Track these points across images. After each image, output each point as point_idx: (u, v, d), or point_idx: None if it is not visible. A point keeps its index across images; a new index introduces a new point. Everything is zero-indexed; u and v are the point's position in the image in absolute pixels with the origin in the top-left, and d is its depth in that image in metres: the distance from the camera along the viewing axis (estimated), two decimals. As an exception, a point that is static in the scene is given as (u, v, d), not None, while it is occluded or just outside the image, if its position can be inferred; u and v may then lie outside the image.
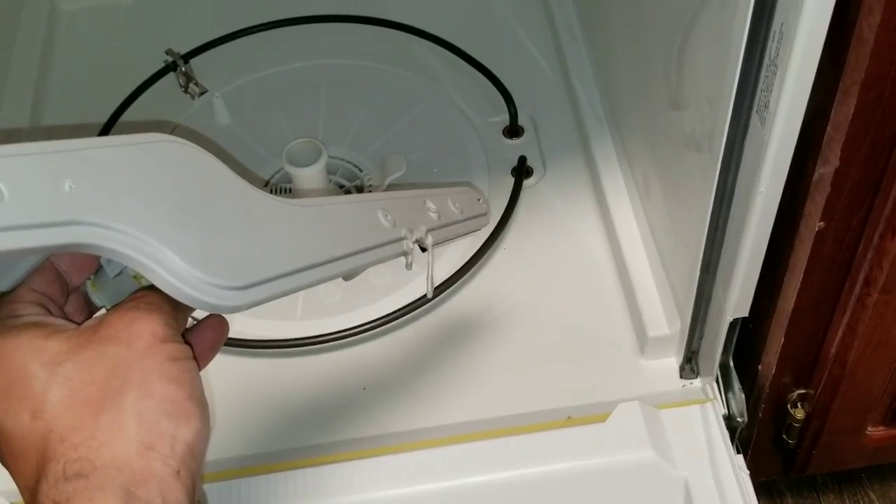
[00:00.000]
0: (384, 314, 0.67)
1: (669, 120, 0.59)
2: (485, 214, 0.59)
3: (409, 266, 0.50)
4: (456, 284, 0.68)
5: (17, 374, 0.33)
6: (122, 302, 0.36)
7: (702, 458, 0.58)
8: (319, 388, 0.65)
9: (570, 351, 0.65)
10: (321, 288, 0.70)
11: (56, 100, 0.83)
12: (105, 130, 0.78)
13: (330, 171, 0.74)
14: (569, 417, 0.61)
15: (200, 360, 0.39)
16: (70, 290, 0.39)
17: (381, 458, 0.58)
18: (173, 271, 0.33)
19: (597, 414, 0.60)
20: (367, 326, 0.66)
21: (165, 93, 0.81)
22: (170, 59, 0.81)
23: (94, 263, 0.39)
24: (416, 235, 0.50)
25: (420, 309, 0.68)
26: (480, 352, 0.66)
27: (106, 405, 0.33)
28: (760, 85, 0.45)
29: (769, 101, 0.45)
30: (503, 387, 0.64)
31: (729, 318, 0.56)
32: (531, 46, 0.85)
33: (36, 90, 0.82)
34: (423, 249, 0.50)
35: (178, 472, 0.33)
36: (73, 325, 0.36)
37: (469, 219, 0.57)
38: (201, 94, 0.81)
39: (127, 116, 0.79)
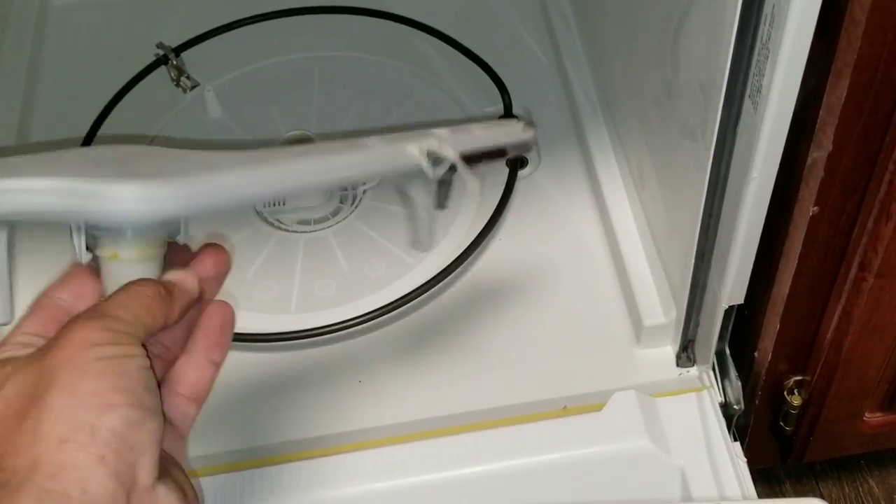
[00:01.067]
0: (378, 307, 0.66)
1: (663, 108, 0.59)
2: (527, 140, 0.50)
3: (430, 171, 0.42)
4: (451, 276, 0.68)
5: None
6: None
7: (698, 447, 0.57)
8: (314, 382, 0.65)
9: (566, 341, 0.65)
10: (315, 281, 0.70)
11: (47, 94, 0.83)
12: (96, 125, 0.78)
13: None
14: (564, 407, 0.60)
15: (207, 290, 0.40)
16: None
17: (376, 451, 0.58)
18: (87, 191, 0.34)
19: (593, 403, 0.60)
20: (362, 319, 0.66)
21: (157, 86, 0.81)
22: (161, 52, 0.81)
23: (95, 292, 0.39)
24: (426, 143, 0.42)
25: (414, 301, 0.67)
26: (475, 343, 0.65)
27: (29, 411, 0.33)
28: (753, 69, 0.45)
29: (762, 86, 0.44)
30: (498, 378, 0.63)
31: (724, 306, 0.56)
32: (526, 36, 0.85)
33: (26, 84, 0.81)
34: (453, 168, 0.43)
35: (103, 457, 0.32)
36: None
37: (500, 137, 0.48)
38: (193, 87, 0.81)
39: (118, 110, 0.79)
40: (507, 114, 0.77)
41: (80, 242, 0.38)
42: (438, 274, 0.68)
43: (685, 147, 0.55)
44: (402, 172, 0.43)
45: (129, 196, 0.35)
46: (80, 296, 0.38)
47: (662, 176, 0.62)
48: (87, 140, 0.77)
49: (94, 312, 0.36)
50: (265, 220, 0.74)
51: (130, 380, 0.34)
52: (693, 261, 0.56)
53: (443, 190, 0.45)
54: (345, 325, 0.66)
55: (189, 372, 0.39)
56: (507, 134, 0.48)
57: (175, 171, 0.36)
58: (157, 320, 0.37)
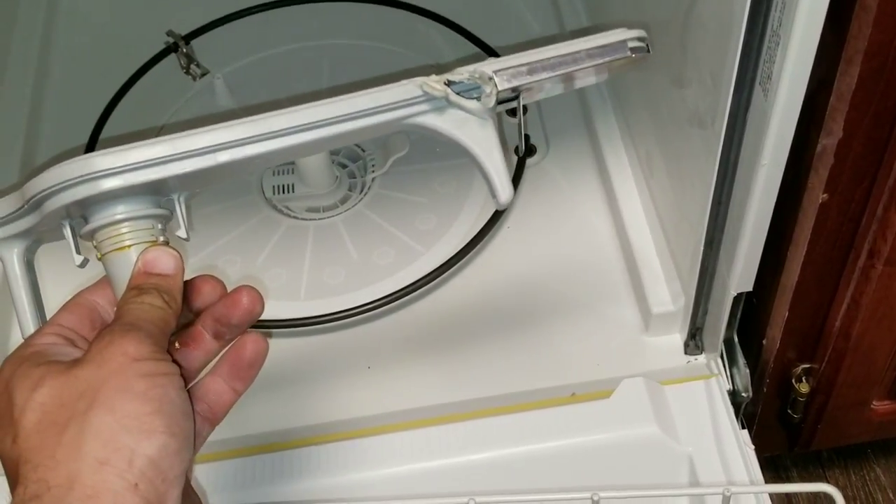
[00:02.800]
0: (387, 294, 0.67)
1: (672, 96, 0.59)
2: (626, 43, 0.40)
3: (475, 108, 0.36)
4: (460, 263, 0.68)
5: (7, 401, 0.35)
6: (102, 331, 0.36)
7: (706, 434, 0.58)
8: (324, 368, 0.65)
9: (574, 328, 0.65)
10: (325, 269, 0.70)
11: (57, 81, 0.83)
12: (106, 113, 0.78)
13: (332, 151, 0.74)
14: (573, 394, 0.61)
15: (239, 380, 0.40)
16: (103, 326, 0.39)
17: (385, 436, 0.58)
18: None
19: (601, 390, 0.60)
20: (371, 306, 0.67)
21: (167, 74, 0.81)
22: (171, 40, 0.81)
23: None
24: (457, 77, 0.35)
25: (423, 288, 0.68)
26: (484, 330, 0.66)
27: (70, 425, 0.33)
28: (763, 56, 0.45)
29: (772, 73, 0.44)
30: (507, 364, 0.64)
31: (733, 293, 0.56)
32: (534, 25, 0.85)
33: (37, 72, 0.82)
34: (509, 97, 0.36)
35: (136, 485, 0.32)
36: (78, 354, 0.36)
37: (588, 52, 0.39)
38: (203, 75, 0.81)
39: (129, 98, 0.79)
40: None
41: (71, 242, 0.38)
42: (447, 262, 0.68)
43: (694, 134, 0.55)
44: (408, 104, 0.37)
45: (102, 162, 0.35)
46: (112, 302, 0.39)
47: (671, 164, 0.62)
48: (98, 127, 0.78)
49: (126, 325, 0.36)
50: (274, 208, 0.74)
51: (171, 405, 0.34)
52: (702, 248, 0.56)
53: (521, 130, 0.38)
54: (354, 311, 0.66)
55: (210, 392, 0.40)
56: (593, 40, 0.38)
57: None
58: (173, 324, 0.38)
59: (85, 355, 0.35)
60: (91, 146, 0.76)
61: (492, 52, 0.80)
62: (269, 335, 0.66)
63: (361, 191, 0.75)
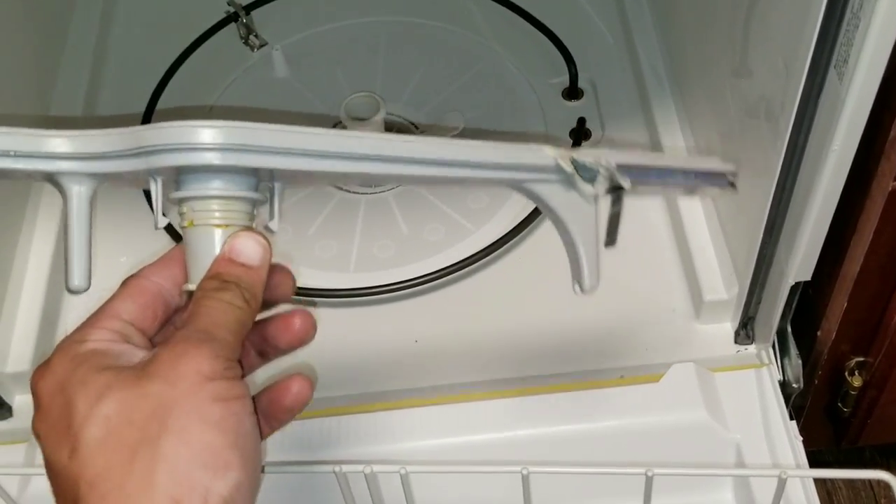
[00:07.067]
0: (437, 269, 0.67)
1: (737, 80, 0.58)
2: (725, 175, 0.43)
3: (584, 186, 0.36)
4: (509, 243, 0.68)
5: (64, 406, 0.32)
6: (175, 335, 0.34)
7: (755, 422, 0.57)
8: (371, 339, 0.65)
9: (623, 312, 0.65)
10: (375, 242, 0.70)
11: (117, 50, 0.84)
12: (164, 80, 0.79)
13: (386, 127, 0.74)
14: (621, 377, 0.60)
15: (275, 420, 0.36)
16: (168, 314, 0.37)
17: (430, 409, 0.59)
18: None
19: (649, 374, 0.60)
20: (420, 281, 0.67)
21: (225, 44, 0.82)
22: (231, 9, 0.81)
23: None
24: (583, 158, 0.36)
25: (473, 266, 0.68)
26: (532, 309, 0.65)
27: (140, 451, 0.30)
28: (840, 39, 0.44)
29: (848, 56, 0.44)
30: (553, 344, 0.63)
31: (791, 283, 0.55)
32: (592, 8, 0.84)
33: (97, 41, 0.83)
34: (616, 187, 0.37)
35: None
36: (141, 356, 0.34)
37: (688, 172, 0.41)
38: (261, 46, 0.82)
39: (187, 66, 0.80)
40: (573, 85, 0.77)
41: (157, 202, 0.35)
42: (497, 241, 0.68)
43: (760, 122, 0.54)
44: (531, 169, 0.37)
45: (211, 134, 0.32)
46: (178, 284, 0.36)
47: (731, 148, 0.61)
48: (155, 94, 0.78)
49: (201, 332, 0.33)
50: (327, 180, 0.75)
51: (246, 437, 0.32)
52: (761, 235, 0.55)
53: (613, 221, 0.40)
54: (403, 285, 0.66)
55: None
56: (697, 162, 0.40)
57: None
58: (250, 326, 0.35)
59: (154, 365, 0.32)
60: (149, 113, 0.77)
61: (549, 34, 0.79)
62: (314, 304, 0.67)
63: (413, 168, 0.75)
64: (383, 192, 0.74)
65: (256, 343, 0.38)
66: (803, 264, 0.54)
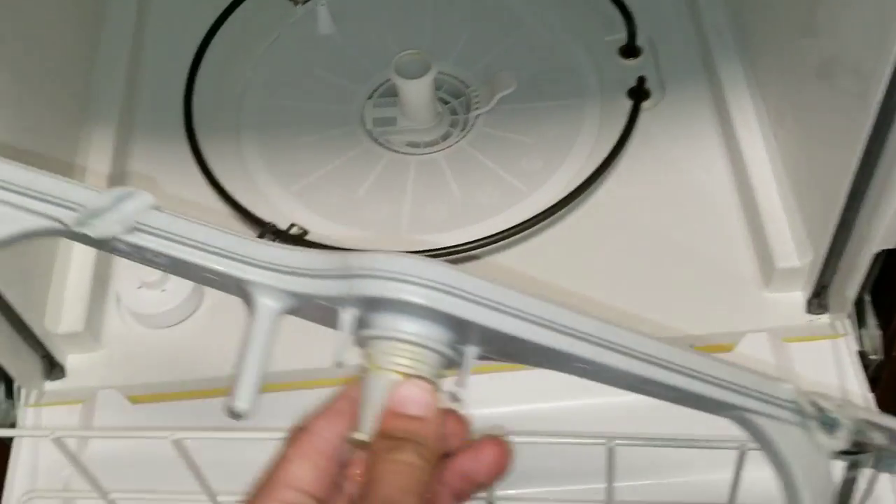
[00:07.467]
0: (490, 233, 0.65)
1: (816, 41, 0.56)
2: None
3: (826, 445, 0.32)
4: (568, 206, 0.66)
5: None
6: None
7: (832, 394, 0.55)
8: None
9: (689, 280, 0.62)
10: (426, 204, 0.68)
11: (159, 5, 0.81)
12: (209, 36, 0.77)
13: (437, 85, 0.72)
14: (692, 346, 0.58)
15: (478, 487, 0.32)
16: (339, 473, 0.32)
17: (493, 375, 0.56)
18: None
19: (720, 344, 0.57)
20: (472, 245, 0.64)
21: (268, -1, 0.79)
22: (276, -38, 0.79)
23: None
24: (825, 404, 0.33)
25: (528, 231, 0.65)
26: (590, 277, 0.63)
27: None
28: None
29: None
30: (615, 312, 0.61)
31: (874, 250, 0.53)
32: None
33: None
34: (856, 450, 0.33)
35: None
36: None
37: None
38: (305, 1, 0.79)
39: (231, 21, 0.78)
40: (631, 42, 0.74)
41: (345, 335, 0.31)
42: (554, 205, 0.66)
43: (844, 79, 0.52)
44: (765, 400, 0.33)
45: (433, 272, 0.29)
46: (342, 435, 0.31)
47: (807, 113, 0.58)
48: (200, 51, 0.76)
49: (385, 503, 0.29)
50: (375, 140, 0.72)
51: None
52: (842, 202, 0.53)
53: (846, 488, 0.35)
54: (456, 249, 0.64)
55: None
56: None
57: None
58: (429, 488, 0.30)
59: None
60: (193, 71, 0.75)
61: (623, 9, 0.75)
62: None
63: (463, 128, 0.73)
64: (432, 153, 0.72)
65: (456, 482, 0.32)
66: (890, 231, 0.51)
